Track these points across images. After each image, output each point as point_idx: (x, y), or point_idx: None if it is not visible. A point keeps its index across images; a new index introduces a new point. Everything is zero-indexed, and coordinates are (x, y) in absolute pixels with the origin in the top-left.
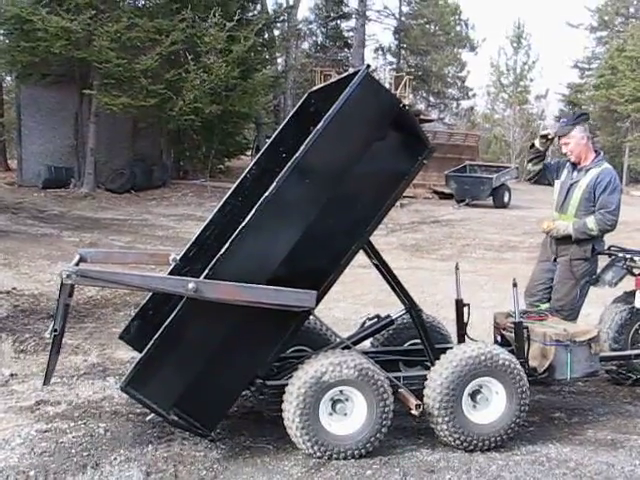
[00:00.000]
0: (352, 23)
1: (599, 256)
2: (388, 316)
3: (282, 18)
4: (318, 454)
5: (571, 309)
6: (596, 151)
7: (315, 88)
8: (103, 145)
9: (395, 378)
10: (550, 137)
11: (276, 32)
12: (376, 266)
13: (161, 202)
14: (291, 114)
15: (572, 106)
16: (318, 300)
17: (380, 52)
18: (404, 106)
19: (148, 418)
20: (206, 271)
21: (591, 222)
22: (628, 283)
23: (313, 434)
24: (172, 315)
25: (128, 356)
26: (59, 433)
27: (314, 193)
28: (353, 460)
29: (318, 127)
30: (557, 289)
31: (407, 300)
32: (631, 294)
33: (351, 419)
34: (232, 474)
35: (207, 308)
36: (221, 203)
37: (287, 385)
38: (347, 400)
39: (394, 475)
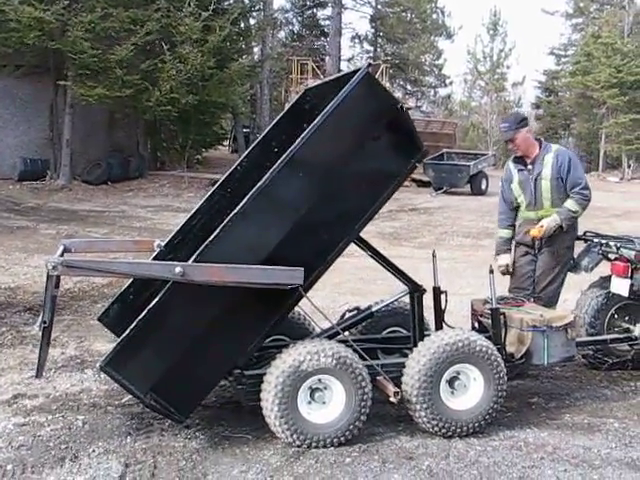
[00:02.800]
0: (328, 11)
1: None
2: (368, 308)
3: (258, 7)
4: (297, 443)
5: (553, 296)
6: (537, 139)
7: (311, 85)
8: (79, 136)
9: (373, 366)
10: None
11: (252, 21)
12: (372, 257)
13: (138, 193)
14: (286, 110)
15: (549, 93)
16: (298, 300)
17: (357, 40)
18: (402, 107)
19: (124, 400)
20: (194, 256)
21: (573, 205)
22: (604, 268)
23: (292, 423)
24: (156, 299)
25: (106, 348)
26: (37, 426)
27: (307, 187)
28: (332, 448)
29: (315, 121)
30: (542, 278)
31: (410, 283)
32: (607, 279)
33: (330, 407)
34: (211, 464)
35: (191, 294)
36: (209, 193)
37: (265, 374)
38: (325, 388)
39: (373, 462)
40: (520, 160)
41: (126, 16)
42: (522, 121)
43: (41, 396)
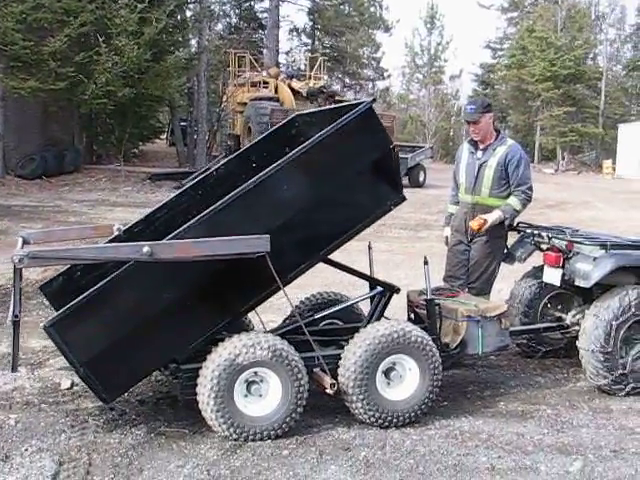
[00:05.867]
0: (266, 4)
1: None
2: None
3: None
4: (234, 436)
5: (486, 286)
6: (496, 130)
7: (302, 112)
8: (12, 130)
9: (310, 358)
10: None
11: (188, 13)
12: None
13: (74, 188)
14: (272, 130)
15: (485, 86)
16: (252, 308)
17: (295, 33)
18: (394, 147)
19: (58, 366)
20: (165, 239)
21: (516, 204)
22: (537, 258)
23: (228, 416)
24: (115, 272)
25: (40, 345)
26: None
27: (287, 201)
28: (269, 441)
29: (310, 141)
30: (475, 268)
31: (382, 285)
32: (540, 269)
33: (266, 400)
34: (147, 460)
35: (151, 276)
36: (179, 191)
37: (201, 368)
38: (262, 381)
39: (310, 454)
40: (474, 144)
41: (59, 7)
42: (488, 106)
43: None
